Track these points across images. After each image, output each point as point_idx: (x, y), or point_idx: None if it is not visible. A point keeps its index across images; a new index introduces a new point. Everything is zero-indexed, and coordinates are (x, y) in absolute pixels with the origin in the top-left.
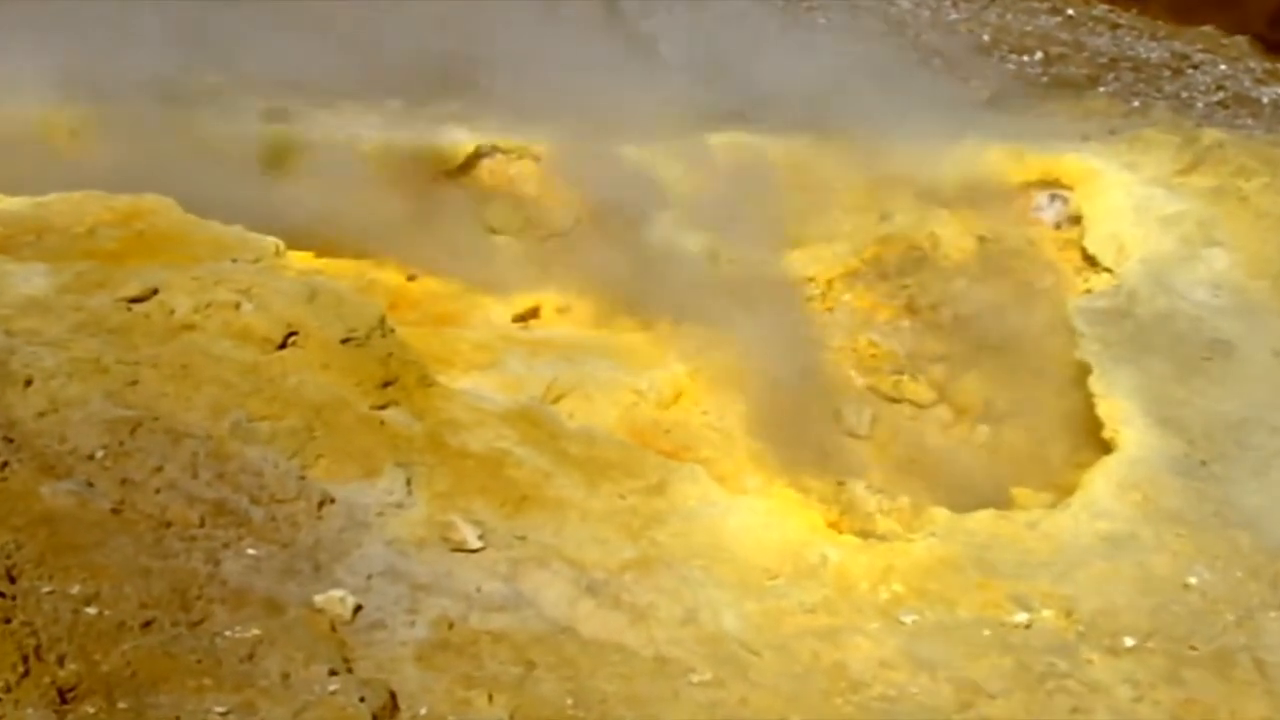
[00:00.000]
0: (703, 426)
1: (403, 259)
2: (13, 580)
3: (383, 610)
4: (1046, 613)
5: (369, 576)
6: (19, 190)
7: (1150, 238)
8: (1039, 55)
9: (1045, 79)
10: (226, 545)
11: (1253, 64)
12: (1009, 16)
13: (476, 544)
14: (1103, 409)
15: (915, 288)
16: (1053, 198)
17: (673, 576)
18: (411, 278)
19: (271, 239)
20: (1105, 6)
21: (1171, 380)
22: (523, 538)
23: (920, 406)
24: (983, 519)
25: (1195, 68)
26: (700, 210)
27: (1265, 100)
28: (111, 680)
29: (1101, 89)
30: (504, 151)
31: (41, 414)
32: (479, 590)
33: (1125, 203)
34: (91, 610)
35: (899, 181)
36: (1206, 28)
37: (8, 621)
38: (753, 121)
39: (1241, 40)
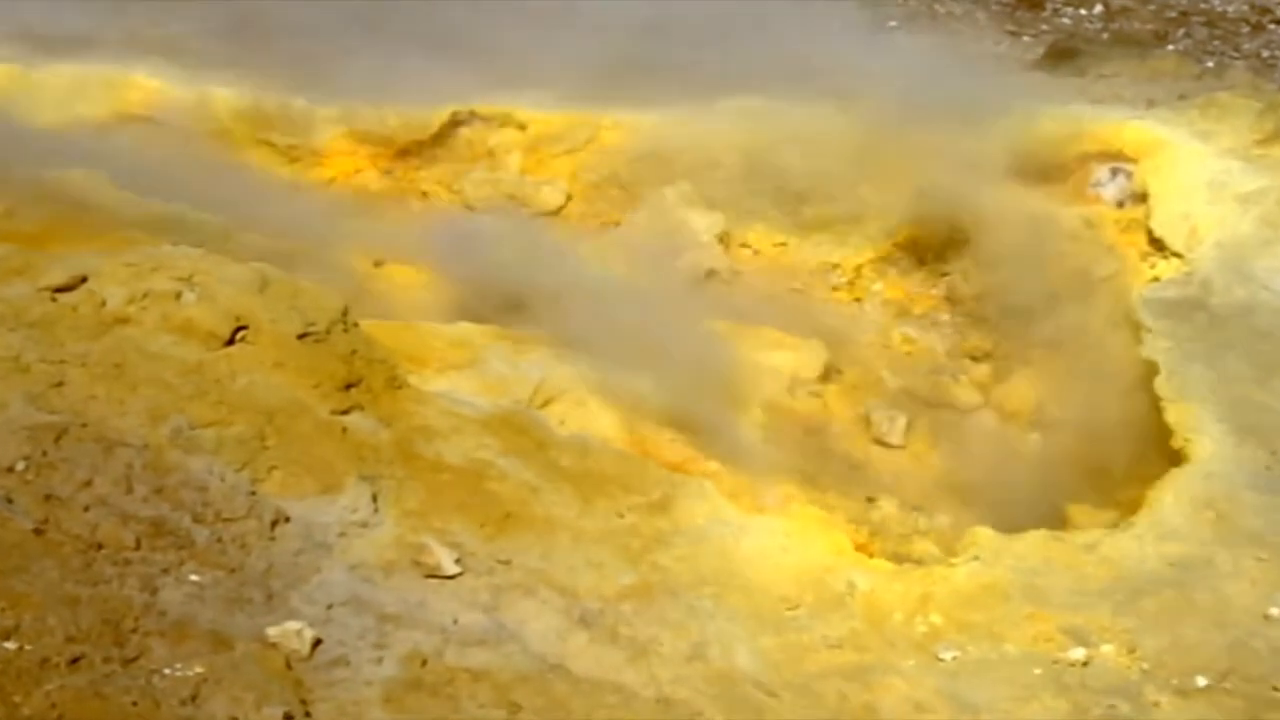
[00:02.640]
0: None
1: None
2: None
3: (345, 645)
4: (1106, 648)
5: (329, 606)
6: None
7: (1226, 218)
8: (1099, 9)
9: (1106, 35)
10: (166, 570)
11: None
12: None
13: (453, 569)
14: (1172, 415)
15: (957, 275)
16: (1114, 172)
17: (678, 606)
18: (379, 263)
19: (218, 219)
20: None
21: (1251, 382)
22: (506, 562)
23: (962, 411)
24: (1033, 541)
25: (1278, 22)
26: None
27: None
28: None
29: (1170, 47)
30: (483, 118)
31: None
32: (456, 622)
33: (1198, 178)
34: (10, 645)
35: (937, 153)
36: None
37: None
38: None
39: None
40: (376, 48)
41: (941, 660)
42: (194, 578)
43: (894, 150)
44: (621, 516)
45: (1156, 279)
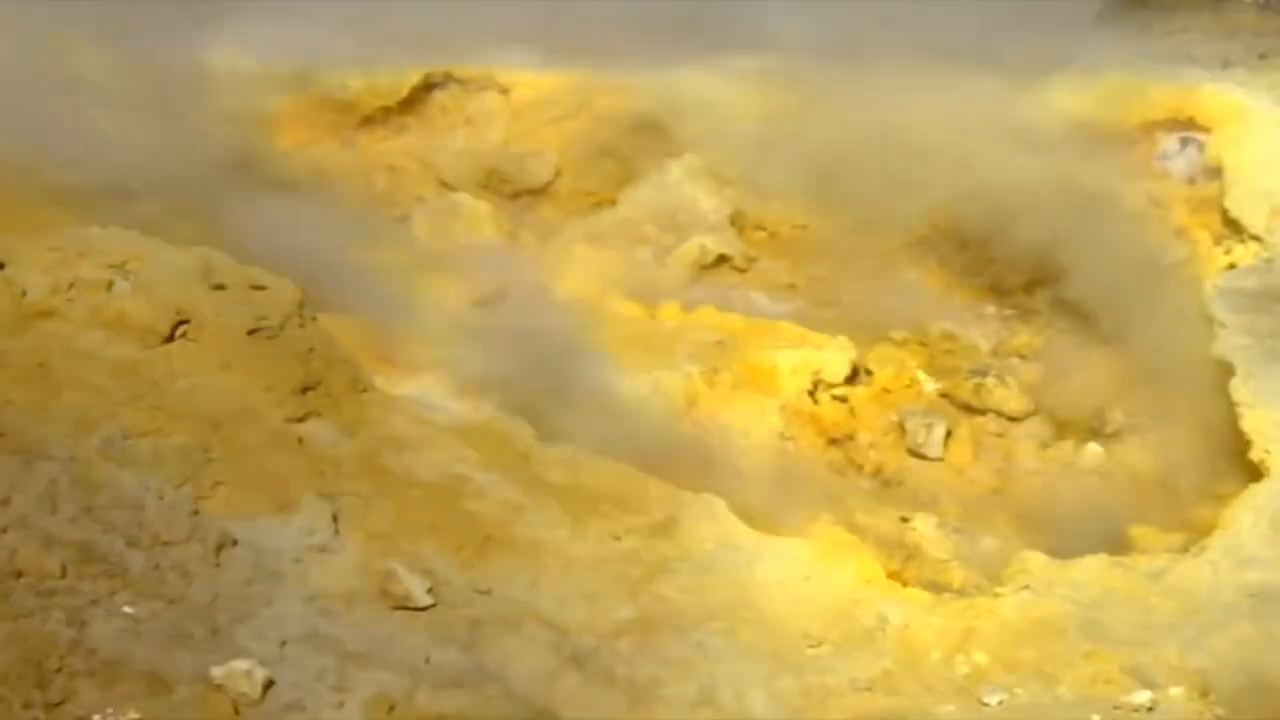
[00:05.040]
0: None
1: None
2: None
3: (302, 687)
4: (1175, 691)
5: (283, 643)
6: None
7: None
8: None
9: None
10: (95, 602)
11: None
12: None
13: (425, 600)
14: (1249, 422)
15: (1003, 262)
16: (1184, 143)
17: (683, 643)
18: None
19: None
20: None
21: None
22: (486, 592)
23: (1009, 419)
24: (1092, 568)
25: None
26: None
27: None
28: None
29: None
30: (461, 81)
31: None
32: (428, 661)
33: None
34: None
35: (983, 120)
36: None
37: None
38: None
39: None
40: None
41: (986, 705)
42: (128, 610)
43: (932, 117)
44: (618, 540)
45: (1232, 266)
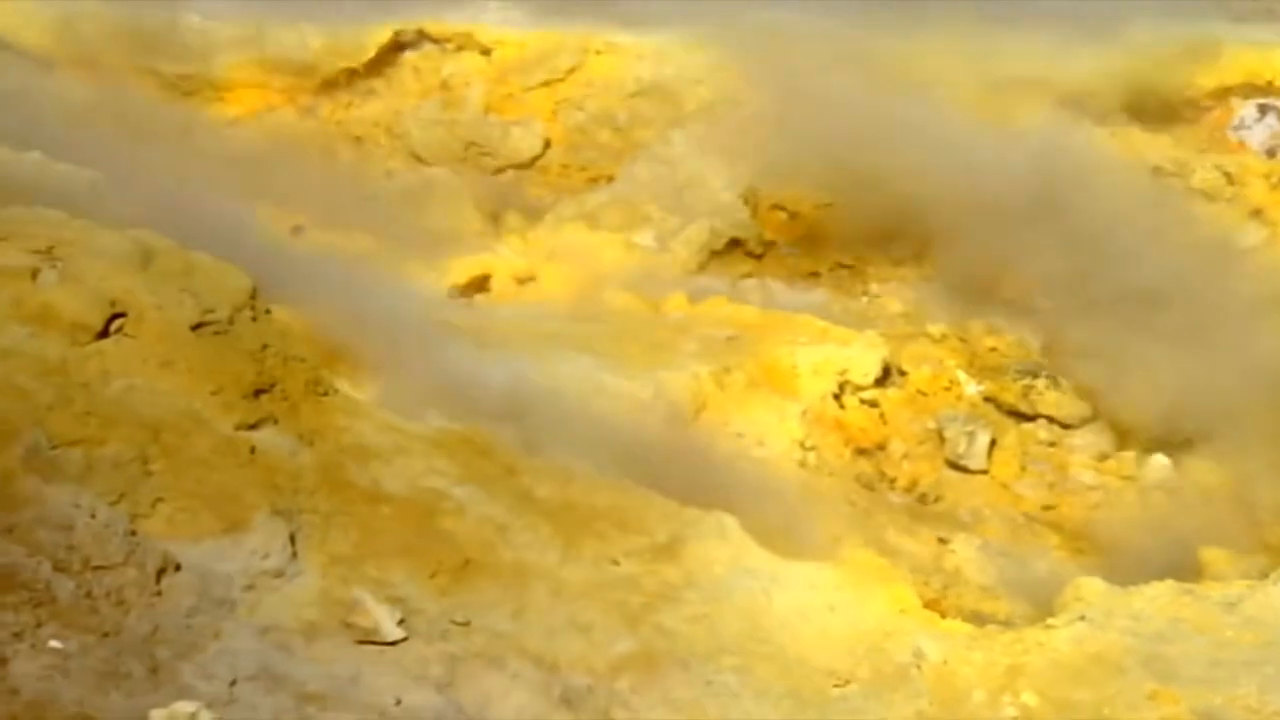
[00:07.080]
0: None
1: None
2: None
3: None
4: None
5: (233, 682)
6: None
7: None
8: None
9: None
10: (18, 635)
11: None
12: None
13: (395, 633)
14: None
15: (1056, 246)
16: (1263, 110)
17: (691, 682)
18: (297, 229)
19: (86, 173)
20: None
21: None
22: (465, 623)
23: (1063, 426)
24: (1157, 596)
25: None
26: None
27: None
28: None
29: None
30: (435, 40)
31: None
32: (399, 702)
33: None
34: None
35: (1034, 85)
36: None
37: None
38: None
39: None
40: None
41: None
42: (55, 644)
43: (970, 81)
44: (616, 564)
45: None
